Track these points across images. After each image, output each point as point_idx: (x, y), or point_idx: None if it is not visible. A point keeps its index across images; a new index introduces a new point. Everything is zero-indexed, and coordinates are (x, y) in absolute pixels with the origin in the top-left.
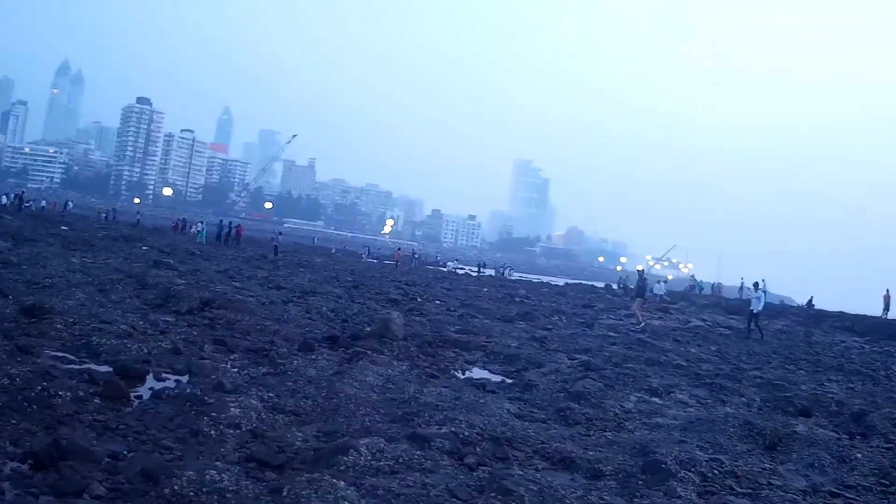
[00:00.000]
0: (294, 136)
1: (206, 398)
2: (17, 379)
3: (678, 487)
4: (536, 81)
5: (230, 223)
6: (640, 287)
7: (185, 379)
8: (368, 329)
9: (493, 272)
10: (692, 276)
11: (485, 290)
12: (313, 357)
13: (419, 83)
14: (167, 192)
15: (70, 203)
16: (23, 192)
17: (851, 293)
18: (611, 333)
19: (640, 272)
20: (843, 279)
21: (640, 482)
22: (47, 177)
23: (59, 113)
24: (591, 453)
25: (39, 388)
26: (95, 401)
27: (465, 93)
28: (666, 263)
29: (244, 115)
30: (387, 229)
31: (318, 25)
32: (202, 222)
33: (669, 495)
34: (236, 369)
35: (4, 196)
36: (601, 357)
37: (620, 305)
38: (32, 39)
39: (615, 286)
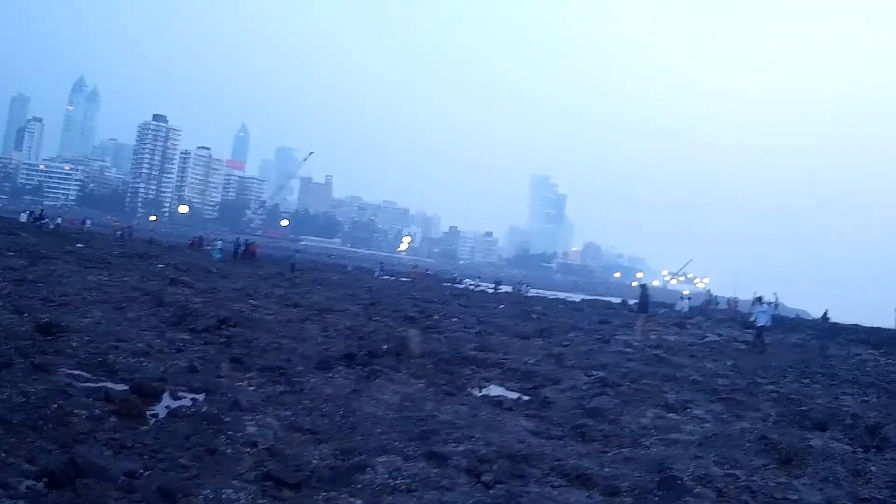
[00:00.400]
0: (311, 153)
1: (222, 417)
2: (33, 397)
3: (694, 503)
4: (554, 97)
5: (246, 241)
6: (643, 302)
7: (201, 397)
8: (385, 347)
9: (510, 289)
10: (708, 290)
11: (501, 306)
12: (330, 375)
13: (436, 100)
14: (183, 209)
15: (88, 221)
16: (41, 210)
17: (870, 307)
18: (627, 349)
19: (644, 287)
20: (864, 291)
21: (657, 498)
22: (63, 194)
23: (75, 130)
24: (607, 470)
25: (55, 405)
26: (111, 419)
27: (482, 110)
28: (682, 278)
29: (261, 132)
30: (403, 246)
31: (336, 43)
32: (220, 240)
33: None
34: (253, 388)
35: (23, 213)
36: (618, 373)
37: (639, 321)
38: (48, 56)
39: (631, 302)
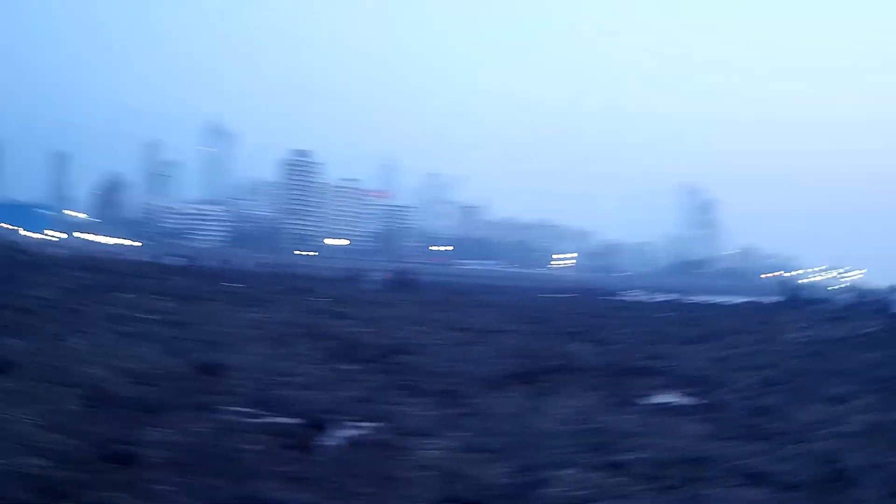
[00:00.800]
0: (462, 177)
1: (397, 443)
2: (201, 436)
3: (866, 493)
4: (694, 102)
5: (404, 269)
6: (797, 298)
7: (374, 425)
8: (555, 363)
9: (668, 297)
10: (864, 283)
11: (663, 314)
12: (503, 394)
13: (581, 114)
14: (335, 242)
15: (238, 259)
16: (190, 253)
17: None
18: (788, 347)
19: (796, 284)
20: None
21: (830, 491)
22: (209, 235)
23: (215, 170)
24: (780, 466)
25: (225, 443)
26: (283, 453)
27: (619, 118)
28: (836, 273)
29: (409, 159)
30: (561, 263)
31: (483, 68)
32: (379, 270)
33: (858, 502)
34: (427, 412)
35: (172, 256)
36: (781, 371)
37: (797, 318)
38: (180, 100)
39: (785, 299)
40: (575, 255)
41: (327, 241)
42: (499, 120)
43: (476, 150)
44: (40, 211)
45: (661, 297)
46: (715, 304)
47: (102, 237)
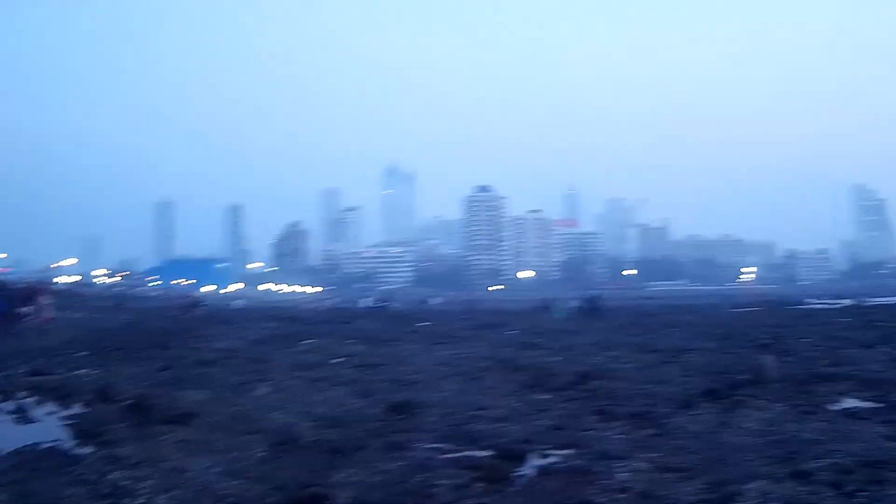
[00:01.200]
0: (643, 199)
1: (592, 468)
2: (391, 474)
3: None
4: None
5: (592, 295)
6: None
7: (569, 452)
8: (743, 377)
9: (848, 301)
10: None
11: (844, 319)
12: (694, 412)
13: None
14: (524, 274)
15: (438, 299)
16: (376, 295)
17: None
18: None
19: None
20: None
21: None
22: (396, 277)
23: (396, 213)
24: None
25: (416, 480)
26: (477, 485)
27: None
28: None
29: (589, 186)
30: (745, 277)
31: (651, 93)
32: (568, 299)
33: None
34: (620, 435)
35: (357, 301)
36: None
37: None
38: (356, 146)
39: None
40: (754, 269)
41: (515, 274)
42: (675, 139)
43: (655, 170)
44: (220, 265)
45: (840, 303)
46: (894, 306)
47: (284, 286)
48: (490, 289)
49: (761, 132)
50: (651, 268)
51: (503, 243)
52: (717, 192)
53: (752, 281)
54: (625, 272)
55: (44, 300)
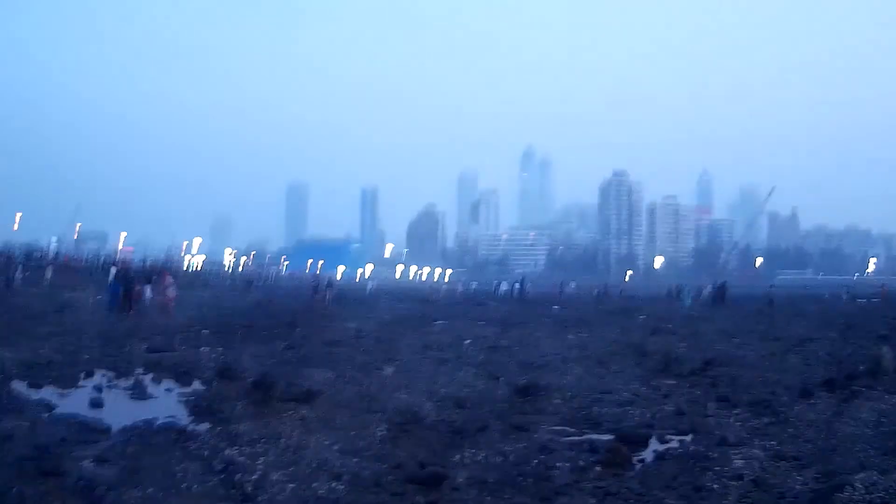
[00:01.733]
0: (773, 188)
1: (709, 454)
2: (512, 455)
3: None
4: None
5: (720, 283)
6: None
7: (688, 438)
8: (862, 367)
9: None
10: None
11: None
12: (812, 402)
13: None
14: (658, 261)
15: (572, 284)
16: (509, 279)
17: None
18: None
19: None
20: None
21: None
22: (531, 261)
23: (532, 197)
24: None
25: (536, 461)
26: (596, 469)
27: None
28: None
29: (723, 173)
30: (870, 269)
31: (792, 74)
32: (697, 286)
33: None
34: (739, 423)
35: (500, 283)
36: None
37: None
38: (493, 129)
39: None
40: (883, 258)
41: (648, 261)
42: (806, 126)
43: (786, 157)
44: (353, 247)
45: None
46: None
47: (418, 269)
48: (623, 275)
49: None
50: (778, 257)
51: (637, 229)
52: (849, 181)
53: (876, 271)
54: (754, 261)
55: (166, 280)
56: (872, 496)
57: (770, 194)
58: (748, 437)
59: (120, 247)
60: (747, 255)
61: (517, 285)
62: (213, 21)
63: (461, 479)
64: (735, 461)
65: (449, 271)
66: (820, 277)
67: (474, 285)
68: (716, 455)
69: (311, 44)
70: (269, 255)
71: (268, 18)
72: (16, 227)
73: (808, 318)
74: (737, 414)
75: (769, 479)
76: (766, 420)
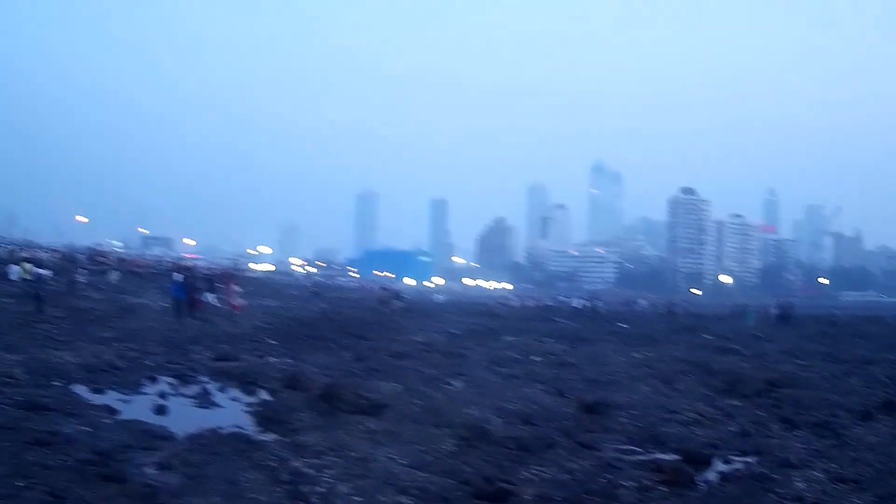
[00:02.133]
0: (839, 208)
1: (772, 475)
2: (578, 473)
3: None
4: None
5: (785, 303)
6: None
7: (751, 459)
8: None
9: None
10: None
11: None
12: (873, 424)
13: None
14: (725, 279)
15: (642, 301)
16: (578, 295)
17: None
18: None
19: None
20: None
21: None
22: (599, 277)
23: (602, 212)
24: None
25: (601, 480)
26: (660, 488)
27: None
28: None
29: (790, 192)
30: None
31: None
32: (762, 305)
33: None
34: (802, 444)
35: (559, 299)
36: None
37: None
38: (564, 143)
39: None
40: None
41: (714, 278)
42: (872, 148)
43: (851, 178)
44: (422, 258)
45: None
46: None
47: (486, 282)
48: (690, 292)
49: None
50: (842, 277)
51: (705, 247)
52: None
53: None
54: (818, 280)
55: (232, 287)
56: None
57: (835, 215)
58: (810, 459)
59: (185, 252)
60: (811, 274)
61: (585, 301)
62: (290, 34)
63: (528, 496)
64: (796, 483)
65: (518, 286)
66: (883, 299)
67: (544, 299)
68: (778, 477)
69: (384, 54)
70: (336, 265)
71: (345, 30)
72: (84, 222)
73: (869, 340)
74: (799, 436)
75: (829, 502)
76: (827, 442)
